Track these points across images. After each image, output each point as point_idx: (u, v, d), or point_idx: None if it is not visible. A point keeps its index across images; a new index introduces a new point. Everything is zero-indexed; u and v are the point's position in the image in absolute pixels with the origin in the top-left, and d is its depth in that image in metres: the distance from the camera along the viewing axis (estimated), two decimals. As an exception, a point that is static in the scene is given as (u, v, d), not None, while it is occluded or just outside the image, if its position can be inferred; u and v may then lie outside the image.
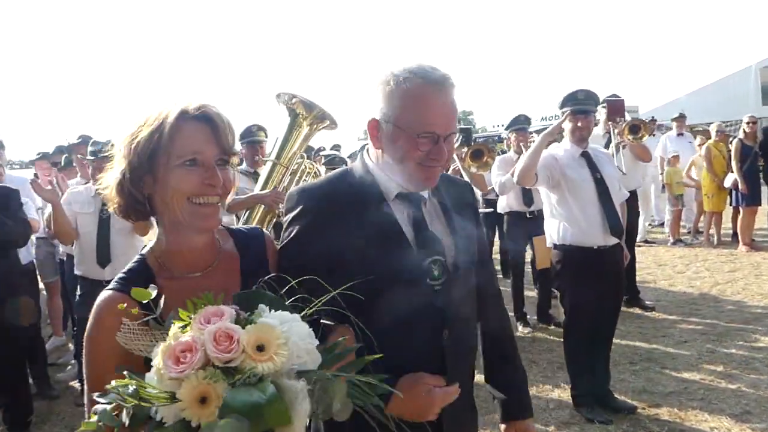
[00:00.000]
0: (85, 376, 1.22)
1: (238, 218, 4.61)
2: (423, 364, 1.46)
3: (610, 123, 5.86)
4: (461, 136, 5.24)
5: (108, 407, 0.97)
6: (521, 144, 5.68)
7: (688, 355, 4.64)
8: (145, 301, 1.10)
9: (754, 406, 3.72)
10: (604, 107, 6.09)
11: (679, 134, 10.41)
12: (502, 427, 1.73)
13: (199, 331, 0.96)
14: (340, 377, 0.99)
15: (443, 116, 1.44)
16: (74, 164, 5.76)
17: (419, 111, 1.42)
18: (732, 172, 8.38)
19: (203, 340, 0.94)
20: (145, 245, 1.36)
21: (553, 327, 5.51)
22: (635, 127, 5.86)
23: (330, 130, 4.49)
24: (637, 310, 5.93)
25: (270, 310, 1.04)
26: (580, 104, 3.86)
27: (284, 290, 1.15)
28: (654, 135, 11.37)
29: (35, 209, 4.92)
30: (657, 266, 7.91)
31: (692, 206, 9.83)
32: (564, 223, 3.79)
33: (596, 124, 6.59)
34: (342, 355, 1.09)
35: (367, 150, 1.59)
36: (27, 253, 4.87)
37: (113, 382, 0.99)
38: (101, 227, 4.14)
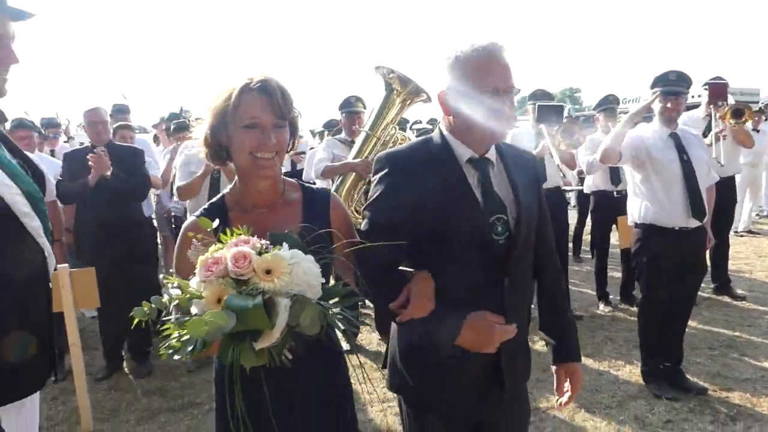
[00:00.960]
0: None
1: (333, 183, 4.96)
2: (486, 305, 1.70)
3: (711, 106, 5.68)
4: (553, 115, 5.30)
5: (163, 297, 1.36)
6: (609, 124, 5.65)
7: (772, 346, 4.56)
8: (209, 229, 1.45)
9: (834, 400, 3.66)
10: (706, 89, 5.91)
11: (799, 121, 9.76)
12: (554, 368, 1.96)
13: (228, 250, 1.31)
14: (313, 302, 1.31)
15: (499, 73, 1.69)
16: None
17: (480, 72, 1.67)
18: None
19: (227, 257, 1.29)
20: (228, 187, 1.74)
21: (634, 308, 5.52)
22: (738, 111, 5.65)
23: (426, 104, 4.74)
24: (726, 299, 5.81)
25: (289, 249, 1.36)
26: (670, 85, 3.86)
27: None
28: (769, 120, 10.73)
29: (157, 168, 5.52)
30: (757, 257, 7.59)
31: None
32: (646, 203, 3.84)
33: (697, 107, 6.41)
34: (337, 293, 1.42)
35: (442, 121, 1.84)
36: (148, 207, 5.49)
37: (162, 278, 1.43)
38: (212, 185, 4.61)
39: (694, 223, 3.74)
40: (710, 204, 3.92)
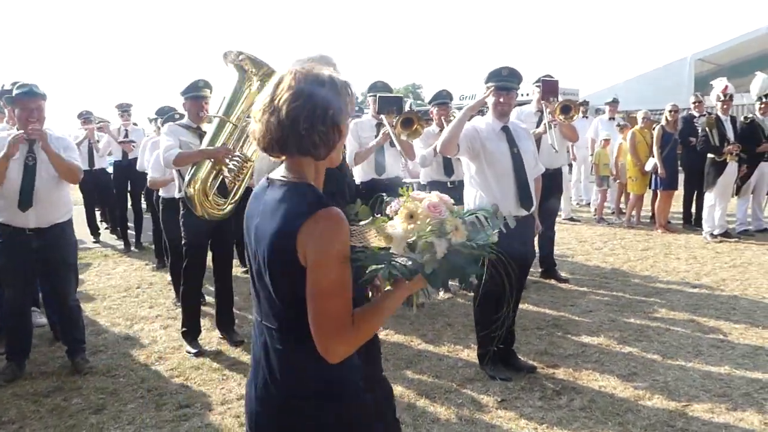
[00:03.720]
0: (329, 272, 1.45)
1: (180, 174, 4.62)
2: None
3: (543, 102, 6.05)
4: (393, 106, 5.37)
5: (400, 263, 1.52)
6: (443, 118, 5.85)
7: (590, 323, 4.99)
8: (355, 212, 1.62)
9: (640, 369, 4.06)
10: (538, 86, 6.31)
11: (611, 118, 10.86)
12: None
13: (431, 199, 1.58)
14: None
15: None
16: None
17: None
18: (653, 157, 8.84)
19: (438, 203, 1.57)
20: (288, 179, 1.58)
21: (471, 293, 5.77)
22: (567, 108, 6.05)
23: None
24: (553, 282, 6.29)
25: None
26: (503, 81, 4.05)
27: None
28: (587, 117, 11.85)
29: None
30: (578, 242, 8.33)
31: (616, 188, 10.34)
32: (480, 192, 4.00)
33: (529, 103, 6.85)
34: None
35: None
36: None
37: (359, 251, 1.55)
38: (27, 174, 4.09)
39: (523, 212, 3.96)
40: (537, 194, 4.18)
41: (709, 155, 8.11)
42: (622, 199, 10.29)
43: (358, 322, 1.48)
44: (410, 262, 1.50)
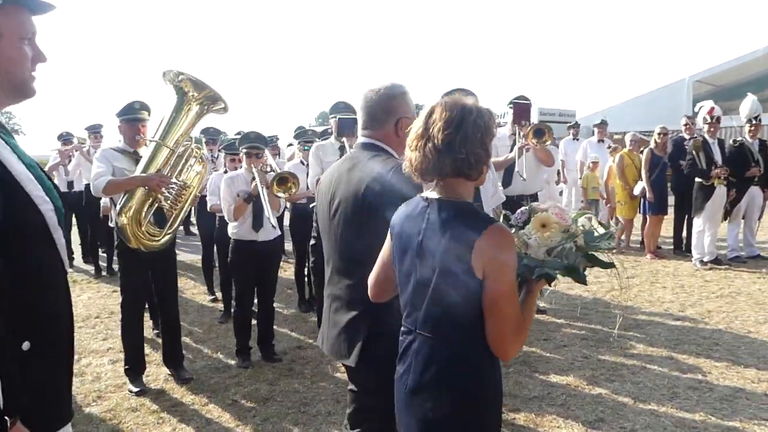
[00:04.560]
0: (508, 280, 1.64)
1: (113, 202, 4.36)
2: None
3: (516, 125, 5.83)
4: (354, 128, 5.13)
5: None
6: None
7: (562, 360, 4.67)
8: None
9: (609, 413, 3.75)
10: (511, 108, 6.07)
11: (600, 141, 10.59)
12: None
13: (556, 210, 1.79)
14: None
15: None
16: None
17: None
18: (642, 180, 8.57)
19: (560, 212, 1.78)
20: (448, 198, 1.73)
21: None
22: (540, 132, 5.82)
23: (220, 114, 4.32)
24: (530, 312, 5.97)
25: None
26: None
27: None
28: (578, 139, 11.59)
29: None
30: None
31: (605, 212, 10.05)
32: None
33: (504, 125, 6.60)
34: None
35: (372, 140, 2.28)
36: None
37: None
38: None
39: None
40: (498, 223, 3.90)
41: (697, 179, 7.83)
42: (612, 222, 10.00)
43: (524, 322, 1.70)
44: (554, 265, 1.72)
